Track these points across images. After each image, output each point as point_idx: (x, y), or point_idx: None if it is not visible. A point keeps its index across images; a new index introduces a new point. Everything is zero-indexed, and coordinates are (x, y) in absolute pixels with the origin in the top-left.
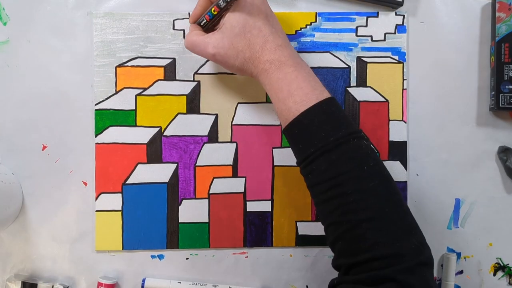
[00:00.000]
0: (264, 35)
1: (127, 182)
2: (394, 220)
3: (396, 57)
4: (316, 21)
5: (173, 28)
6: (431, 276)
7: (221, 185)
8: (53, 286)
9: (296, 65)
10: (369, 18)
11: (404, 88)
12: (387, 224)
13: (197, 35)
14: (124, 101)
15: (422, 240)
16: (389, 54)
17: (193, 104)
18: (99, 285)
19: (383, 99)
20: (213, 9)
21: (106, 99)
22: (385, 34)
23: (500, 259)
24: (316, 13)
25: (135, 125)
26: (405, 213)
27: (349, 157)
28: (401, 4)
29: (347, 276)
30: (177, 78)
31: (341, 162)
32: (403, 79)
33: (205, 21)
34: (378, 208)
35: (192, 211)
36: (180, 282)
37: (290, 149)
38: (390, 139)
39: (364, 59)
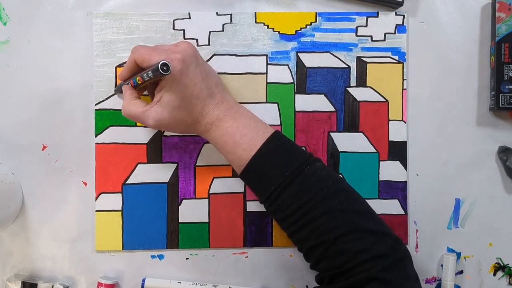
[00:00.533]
0: (202, 101)
1: (127, 182)
2: (365, 227)
3: (396, 57)
4: (316, 21)
5: (173, 28)
6: (410, 268)
7: (221, 185)
8: (53, 286)
9: (234, 116)
10: (369, 18)
11: (404, 88)
12: (360, 233)
13: (135, 107)
14: None
15: (395, 237)
16: (389, 54)
17: None
18: (99, 285)
19: (383, 99)
20: (137, 78)
21: (106, 99)
22: (385, 34)
23: (500, 259)
24: (316, 13)
25: (135, 125)
26: (373, 218)
27: (309, 184)
28: (401, 4)
29: (331, 285)
30: None
31: (303, 192)
32: (403, 79)
33: (131, 85)
34: (349, 221)
35: (192, 211)
36: (180, 282)
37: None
38: (390, 139)
39: (364, 59)
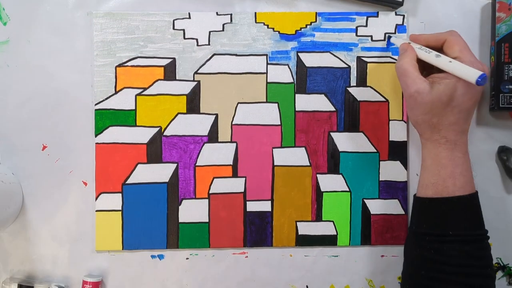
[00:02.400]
0: (459, 117)
1: (127, 182)
2: None
3: (396, 57)
4: (316, 21)
5: (173, 28)
6: None
7: (221, 185)
8: (49, 287)
9: (465, 152)
10: (369, 18)
11: None
12: None
13: (413, 68)
14: (124, 101)
15: None
16: (389, 54)
17: (193, 104)
18: (84, 283)
19: (383, 99)
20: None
21: (106, 99)
22: (385, 34)
23: (500, 259)
24: (316, 13)
25: (135, 125)
26: None
27: (480, 255)
28: (401, 4)
29: None
30: (177, 78)
31: (472, 257)
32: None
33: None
34: None
35: (192, 211)
36: None
37: (290, 149)
38: (390, 139)
39: (364, 59)
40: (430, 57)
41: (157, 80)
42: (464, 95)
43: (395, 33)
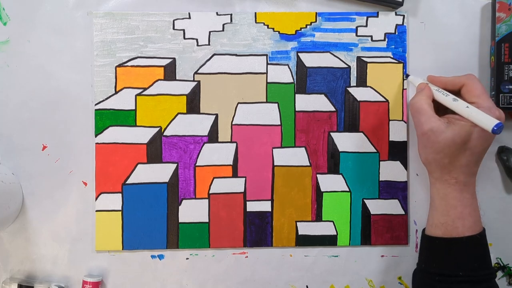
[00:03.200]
0: (470, 159)
1: (127, 182)
2: None
3: (396, 57)
4: (316, 21)
5: (173, 28)
6: None
7: (221, 185)
8: (49, 287)
9: (473, 193)
10: (369, 18)
11: (404, 88)
12: None
13: (427, 105)
14: (124, 101)
15: None
16: (389, 54)
17: (193, 104)
18: (84, 283)
19: (383, 99)
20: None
21: (106, 99)
22: (385, 34)
23: (500, 259)
24: (316, 13)
25: (135, 125)
26: None
27: None
28: (401, 4)
29: None
30: (177, 78)
31: None
32: (403, 79)
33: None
34: None
35: (192, 211)
36: None
37: (290, 149)
38: (390, 139)
39: (364, 59)
40: (447, 100)
41: (157, 80)
42: (478, 139)
43: (395, 32)
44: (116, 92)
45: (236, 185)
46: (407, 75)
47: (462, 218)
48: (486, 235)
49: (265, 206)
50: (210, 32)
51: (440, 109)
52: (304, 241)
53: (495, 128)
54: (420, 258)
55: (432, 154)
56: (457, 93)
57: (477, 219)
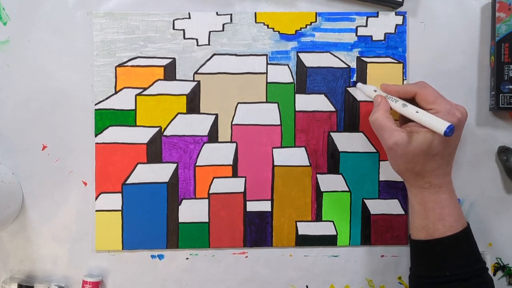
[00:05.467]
0: (441, 162)
1: (127, 182)
2: None
3: (396, 57)
4: (316, 21)
5: (173, 28)
6: None
7: (221, 185)
8: (49, 287)
9: (450, 192)
10: (369, 18)
11: None
12: None
13: (387, 120)
14: (124, 101)
15: None
16: (389, 54)
17: (193, 104)
18: (84, 283)
19: None
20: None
21: (106, 99)
22: (385, 34)
23: (500, 259)
24: (316, 13)
25: (135, 125)
26: None
27: None
28: (401, 4)
29: None
30: (177, 78)
31: None
32: (403, 79)
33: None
34: None
35: (192, 211)
36: None
37: (290, 149)
38: None
39: (364, 59)
40: (397, 106)
41: (157, 80)
42: (443, 143)
43: (395, 33)
44: (116, 92)
45: (236, 185)
46: (355, 82)
47: (442, 219)
48: (471, 230)
49: (265, 206)
50: (210, 32)
51: (405, 118)
52: (304, 241)
53: (447, 130)
54: (411, 263)
55: (402, 164)
56: (412, 101)
57: (458, 217)
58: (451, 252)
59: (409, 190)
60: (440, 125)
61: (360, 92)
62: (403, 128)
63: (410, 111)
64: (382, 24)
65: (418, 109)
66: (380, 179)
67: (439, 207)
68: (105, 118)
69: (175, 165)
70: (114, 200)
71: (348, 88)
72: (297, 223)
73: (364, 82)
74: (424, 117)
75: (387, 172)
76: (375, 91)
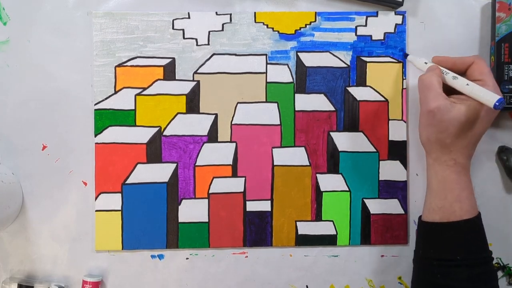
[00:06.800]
0: (470, 141)
1: (126, 182)
2: None
3: (396, 57)
4: (315, 20)
5: (173, 28)
6: None
7: (221, 185)
8: (49, 287)
9: (469, 176)
10: (368, 18)
11: (404, 87)
12: None
13: (438, 83)
14: (123, 101)
15: None
16: (388, 53)
17: (192, 103)
18: (84, 283)
19: (383, 99)
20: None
21: (106, 99)
22: (384, 33)
23: (500, 259)
24: (315, 12)
25: (135, 125)
26: None
27: (488, 277)
28: (401, 4)
29: None
30: (176, 78)
31: (481, 280)
32: (403, 79)
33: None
34: None
35: (191, 210)
36: None
37: (289, 148)
38: (390, 139)
39: (364, 58)
40: (448, 78)
41: (156, 80)
42: (482, 119)
43: (394, 32)
44: (115, 92)
45: (236, 185)
46: (406, 54)
47: (460, 201)
48: (481, 218)
49: (265, 206)
50: (209, 32)
51: (446, 92)
52: (304, 240)
53: (497, 103)
54: (418, 245)
55: (435, 133)
56: (463, 73)
57: (474, 203)
58: (465, 236)
59: (430, 167)
60: (490, 97)
61: (412, 66)
62: (448, 97)
63: (460, 83)
64: (381, 24)
65: (469, 82)
66: (380, 179)
67: (459, 188)
68: (105, 118)
69: (175, 165)
70: (114, 200)
71: (407, 59)
72: (297, 223)
73: (364, 82)
74: (475, 89)
75: (387, 172)
76: (425, 63)
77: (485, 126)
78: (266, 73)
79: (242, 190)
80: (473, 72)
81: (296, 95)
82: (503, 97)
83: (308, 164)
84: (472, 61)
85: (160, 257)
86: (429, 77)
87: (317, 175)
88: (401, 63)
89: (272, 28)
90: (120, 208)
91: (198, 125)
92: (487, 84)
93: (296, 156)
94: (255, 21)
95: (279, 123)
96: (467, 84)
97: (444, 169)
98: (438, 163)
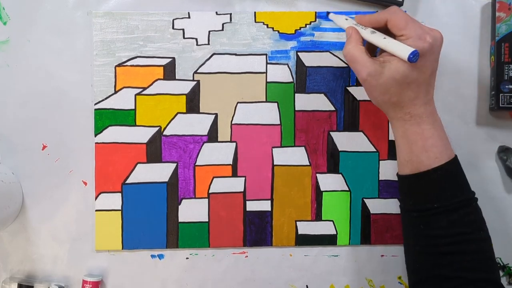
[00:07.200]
0: (418, 91)
1: (126, 182)
2: (500, 284)
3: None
4: (315, 20)
5: (173, 28)
6: None
7: (221, 185)
8: (49, 287)
9: (433, 122)
10: None
11: None
12: (496, 283)
13: (359, 52)
14: (123, 101)
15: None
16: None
17: (192, 103)
18: (84, 283)
19: None
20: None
21: (106, 98)
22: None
23: (500, 259)
24: (315, 12)
25: (135, 125)
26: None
27: (469, 220)
28: (401, 4)
29: None
30: (176, 78)
31: (462, 224)
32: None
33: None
34: (491, 271)
35: (191, 210)
36: None
37: (289, 148)
38: (390, 138)
39: None
40: (366, 34)
41: (156, 80)
42: (416, 70)
43: None
44: (115, 92)
45: (236, 184)
46: (328, 13)
47: (425, 151)
48: (458, 161)
49: (265, 206)
50: (209, 31)
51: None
52: (304, 240)
53: (411, 56)
54: (400, 200)
55: (379, 96)
56: (386, 31)
57: (444, 148)
58: (438, 184)
59: (391, 124)
60: (403, 51)
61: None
62: (376, 59)
63: (377, 38)
64: None
65: (386, 36)
66: (380, 179)
67: (421, 139)
68: (105, 118)
69: (175, 164)
70: (114, 200)
71: (329, 17)
72: (297, 222)
73: None
74: (390, 43)
75: (387, 172)
76: (346, 19)
77: (426, 73)
78: (266, 73)
79: (242, 190)
80: (392, 28)
81: (296, 95)
82: (416, 50)
83: (308, 164)
84: (386, 18)
85: (160, 257)
86: (349, 50)
87: (317, 175)
88: None
89: (272, 28)
90: (120, 208)
91: (198, 125)
92: (409, 36)
93: (296, 156)
94: (255, 21)
95: (279, 123)
96: (384, 38)
97: (402, 124)
98: (396, 120)
